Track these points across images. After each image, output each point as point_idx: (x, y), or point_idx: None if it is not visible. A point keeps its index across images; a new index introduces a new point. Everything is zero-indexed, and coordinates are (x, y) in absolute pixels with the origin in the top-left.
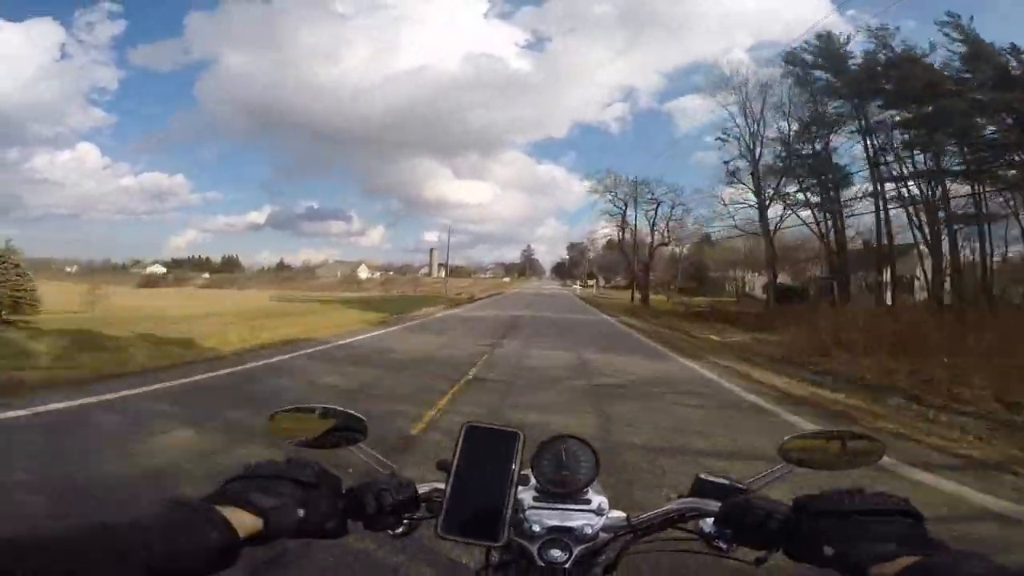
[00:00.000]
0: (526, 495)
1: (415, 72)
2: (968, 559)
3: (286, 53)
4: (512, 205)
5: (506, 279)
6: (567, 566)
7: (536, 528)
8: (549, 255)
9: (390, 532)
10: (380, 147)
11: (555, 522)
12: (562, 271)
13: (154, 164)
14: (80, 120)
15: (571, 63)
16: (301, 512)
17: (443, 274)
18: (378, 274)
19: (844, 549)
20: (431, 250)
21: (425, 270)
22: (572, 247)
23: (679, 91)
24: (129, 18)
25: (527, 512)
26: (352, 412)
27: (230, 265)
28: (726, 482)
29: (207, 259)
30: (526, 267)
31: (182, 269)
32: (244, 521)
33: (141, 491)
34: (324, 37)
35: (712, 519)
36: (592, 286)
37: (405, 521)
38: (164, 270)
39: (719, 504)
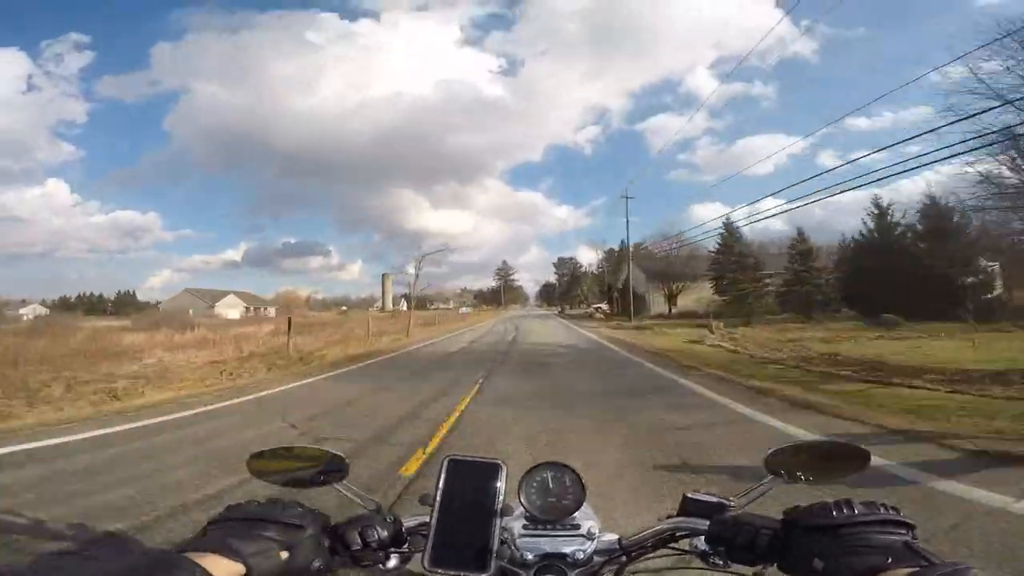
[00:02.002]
0: (515, 524)
1: (388, 100)
2: (959, 572)
3: (258, 84)
4: (493, 234)
5: (465, 309)
6: None
7: (529, 556)
8: (533, 284)
9: (381, 567)
10: (356, 178)
11: (547, 549)
12: (550, 295)
13: (125, 201)
14: (48, 155)
15: (544, 86)
16: (284, 554)
17: (405, 306)
18: (273, 311)
19: (833, 563)
20: (383, 276)
21: (379, 304)
22: (562, 263)
23: (648, 111)
24: (97, 49)
25: (518, 541)
26: (333, 452)
27: (123, 302)
28: (713, 499)
29: (100, 296)
30: (502, 293)
31: (66, 309)
32: (224, 569)
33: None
34: (297, 67)
35: (704, 537)
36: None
37: (393, 555)
38: (45, 311)
39: (707, 522)
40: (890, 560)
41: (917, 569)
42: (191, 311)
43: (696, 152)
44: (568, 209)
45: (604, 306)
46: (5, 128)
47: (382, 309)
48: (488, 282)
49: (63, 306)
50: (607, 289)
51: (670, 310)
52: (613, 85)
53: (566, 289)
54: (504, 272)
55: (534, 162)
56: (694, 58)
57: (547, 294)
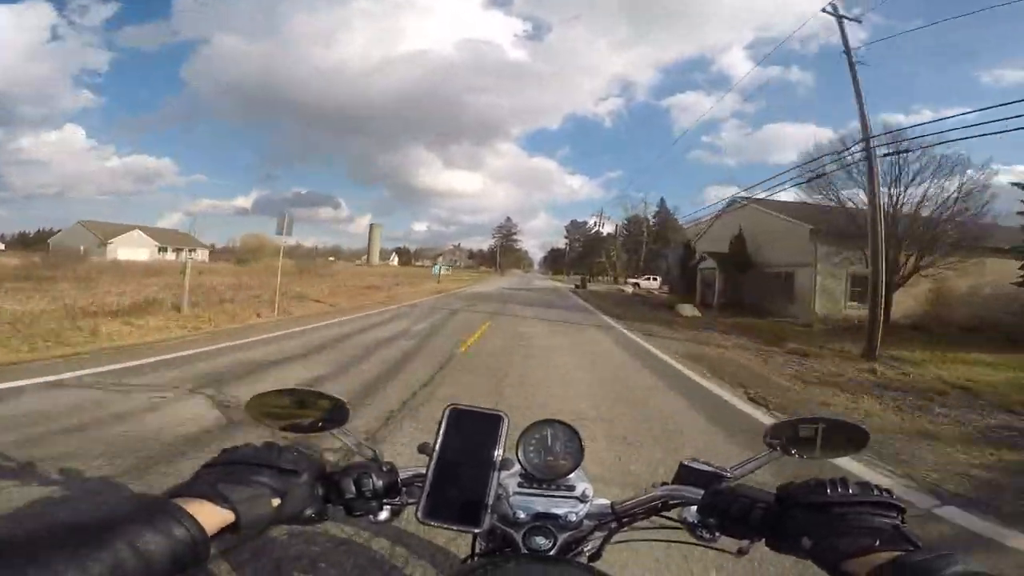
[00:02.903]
0: (510, 480)
1: (410, 59)
2: (943, 558)
3: (280, 37)
4: (503, 197)
5: (440, 269)
6: (551, 553)
7: (521, 515)
8: (540, 250)
9: (372, 518)
10: (372, 134)
11: (540, 508)
12: (558, 261)
13: (141, 146)
14: (68, 101)
15: (569, 53)
16: (277, 501)
17: (394, 260)
18: (201, 255)
19: (821, 542)
20: (371, 226)
21: (365, 257)
22: (575, 227)
23: (676, 87)
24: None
25: (512, 498)
26: (333, 396)
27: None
28: (709, 468)
29: (60, 231)
30: (498, 255)
31: (24, 246)
32: (213, 515)
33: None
34: (321, 20)
35: (696, 507)
36: None
37: (387, 506)
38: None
39: (702, 492)
40: (878, 543)
41: (903, 553)
42: (82, 248)
43: (720, 135)
44: (582, 179)
45: (647, 283)
46: (29, 76)
47: (367, 262)
48: (490, 242)
49: (21, 242)
50: (691, 256)
51: (887, 317)
52: (643, 57)
53: (579, 256)
54: (506, 230)
55: (551, 129)
56: (733, 37)
57: (554, 260)
